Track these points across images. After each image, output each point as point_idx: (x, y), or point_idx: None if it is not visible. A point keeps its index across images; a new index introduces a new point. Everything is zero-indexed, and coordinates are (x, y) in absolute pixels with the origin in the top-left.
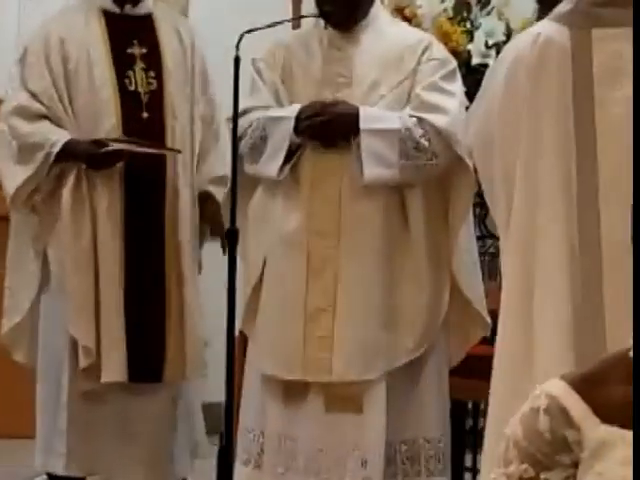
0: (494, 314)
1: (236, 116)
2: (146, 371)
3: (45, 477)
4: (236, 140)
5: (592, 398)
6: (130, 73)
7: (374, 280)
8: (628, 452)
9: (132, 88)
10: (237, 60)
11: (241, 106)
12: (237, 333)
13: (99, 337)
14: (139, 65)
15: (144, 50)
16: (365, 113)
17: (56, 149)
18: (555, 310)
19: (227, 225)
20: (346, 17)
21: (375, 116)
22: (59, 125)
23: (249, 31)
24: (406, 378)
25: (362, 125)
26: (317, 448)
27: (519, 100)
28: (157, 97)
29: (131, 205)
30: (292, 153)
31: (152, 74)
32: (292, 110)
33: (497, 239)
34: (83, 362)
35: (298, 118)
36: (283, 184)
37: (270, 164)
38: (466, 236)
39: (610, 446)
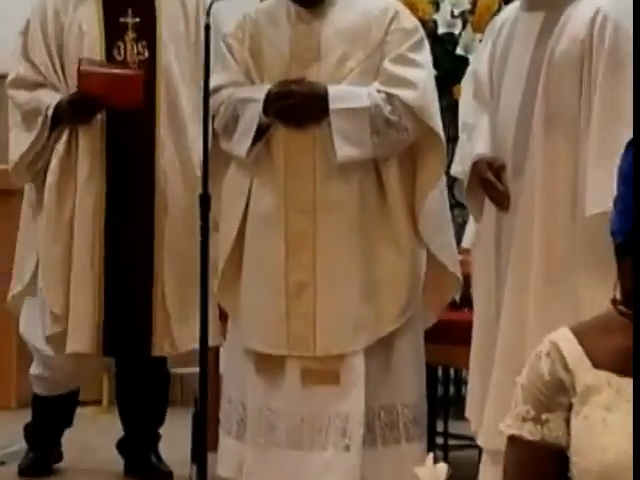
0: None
1: (207, 80)
2: (125, 344)
3: (24, 444)
4: (207, 109)
5: (588, 343)
6: (120, 43)
7: (352, 253)
8: (611, 396)
9: (120, 58)
10: (207, 28)
11: (213, 83)
12: None
13: (68, 307)
14: (130, 35)
15: (137, 19)
16: (333, 92)
17: (50, 111)
18: None
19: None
20: None
21: (344, 95)
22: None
23: None
24: (384, 346)
25: (331, 105)
26: (297, 419)
27: None
28: (147, 67)
29: (115, 170)
30: (263, 132)
31: (144, 43)
32: (261, 91)
33: (465, 208)
34: (49, 329)
35: (267, 100)
36: (257, 162)
37: (240, 144)
38: (437, 200)
39: (596, 390)
